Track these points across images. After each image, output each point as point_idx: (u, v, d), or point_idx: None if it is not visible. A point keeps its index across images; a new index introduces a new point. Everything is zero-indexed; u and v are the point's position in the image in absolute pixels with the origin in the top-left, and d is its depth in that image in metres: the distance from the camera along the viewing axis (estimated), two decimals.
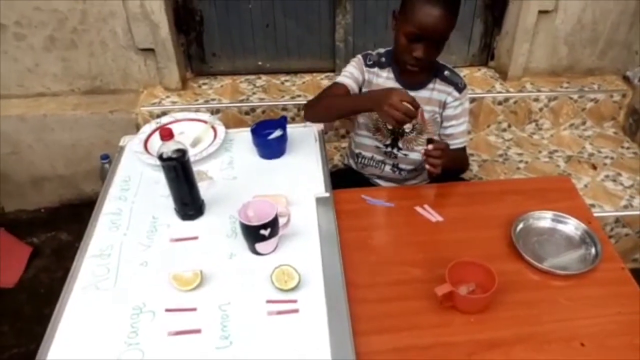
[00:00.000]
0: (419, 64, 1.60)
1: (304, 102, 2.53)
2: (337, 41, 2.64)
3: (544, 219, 1.50)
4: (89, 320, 1.23)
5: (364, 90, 1.77)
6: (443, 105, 1.74)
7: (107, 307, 1.26)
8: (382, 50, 1.77)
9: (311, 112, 1.81)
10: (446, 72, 1.73)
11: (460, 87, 1.72)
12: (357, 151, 1.91)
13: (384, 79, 1.75)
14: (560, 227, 1.49)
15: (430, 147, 1.50)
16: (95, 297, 1.28)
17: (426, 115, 1.73)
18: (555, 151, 2.59)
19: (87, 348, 1.17)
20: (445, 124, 1.77)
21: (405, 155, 1.82)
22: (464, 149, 1.82)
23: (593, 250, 1.41)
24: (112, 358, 1.14)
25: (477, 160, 2.52)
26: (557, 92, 2.64)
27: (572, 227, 1.48)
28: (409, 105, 1.42)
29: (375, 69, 1.76)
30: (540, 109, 2.66)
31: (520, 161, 2.53)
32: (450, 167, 1.69)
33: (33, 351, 2.08)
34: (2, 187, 2.65)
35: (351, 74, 1.76)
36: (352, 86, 1.74)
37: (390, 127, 1.78)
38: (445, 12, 1.49)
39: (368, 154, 1.89)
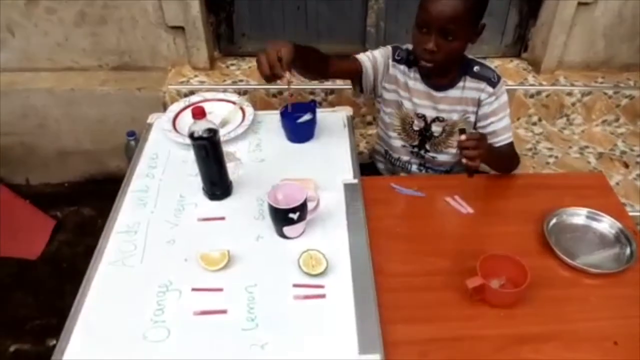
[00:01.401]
0: (432, 59, 1.50)
1: (332, 86, 2.52)
2: (369, 26, 2.60)
3: (577, 216, 1.47)
4: (115, 295, 1.23)
5: (387, 85, 1.69)
6: (477, 103, 1.64)
7: (133, 283, 1.26)
8: (411, 47, 1.63)
9: None
10: (476, 68, 1.62)
11: (493, 82, 1.60)
12: (384, 149, 1.86)
13: (412, 79, 1.65)
14: (594, 224, 1.45)
15: (463, 137, 1.38)
16: (121, 273, 1.28)
17: (455, 116, 1.66)
18: (587, 147, 2.54)
19: (113, 323, 1.17)
20: (483, 122, 1.65)
21: (434, 157, 1.76)
22: (510, 144, 1.66)
23: (628, 250, 1.38)
24: (138, 334, 1.14)
25: None
26: (591, 87, 2.57)
27: (606, 225, 1.44)
28: (277, 63, 1.31)
29: (403, 67, 1.66)
30: (573, 104, 2.60)
31: (550, 156, 2.48)
32: (496, 164, 1.62)
33: (54, 324, 2.12)
34: (28, 160, 2.67)
35: (373, 57, 1.66)
36: (367, 65, 1.65)
37: (416, 128, 1.71)
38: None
39: (395, 155, 1.83)
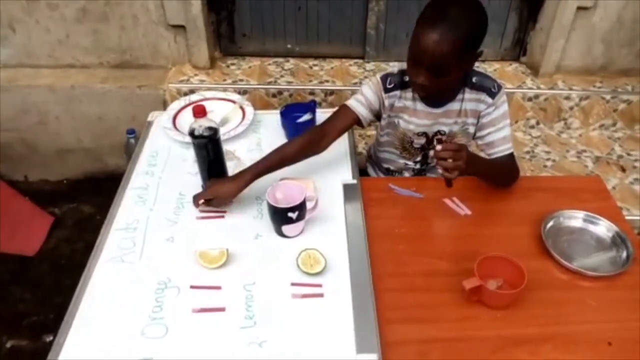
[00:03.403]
0: (424, 91, 1.46)
1: (332, 87, 2.53)
2: (369, 28, 2.61)
3: (575, 219, 1.48)
4: (114, 292, 1.24)
5: (384, 115, 1.62)
6: (477, 115, 1.58)
7: (132, 280, 1.26)
8: (405, 66, 1.52)
9: None
10: (475, 79, 1.54)
11: (493, 92, 1.53)
12: (385, 166, 1.80)
13: (410, 100, 1.57)
14: (591, 227, 1.46)
15: (438, 147, 1.32)
16: (120, 269, 1.29)
17: (456, 128, 1.61)
18: (584, 151, 2.55)
19: (111, 320, 1.18)
20: (481, 132, 1.59)
21: (434, 166, 1.72)
22: (510, 156, 1.57)
23: (624, 253, 1.38)
24: (136, 331, 1.15)
25: None
26: (589, 91, 2.59)
27: (603, 228, 1.45)
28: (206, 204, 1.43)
29: (397, 92, 1.57)
30: (571, 108, 2.62)
31: (548, 159, 2.49)
32: (487, 177, 1.56)
33: (52, 320, 2.12)
34: (28, 157, 2.68)
35: (365, 99, 1.58)
36: (363, 113, 1.58)
37: (417, 146, 1.67)
38: (443, 36, 1.31)
39: (396, 171, 1.79)
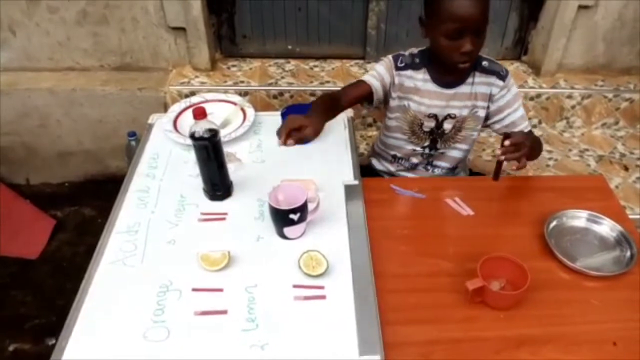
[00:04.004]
0: (469, 58, 1.52)
1: (333, 88, 2.51)
2: (369, 28, 2.60)
3: (578, 218, 1.47)
4: (115, 295, 1.23)
5: (393, 94, 1.70)
6: (489, 99, 1.67)
7: (133, 283, 1.26)
8: (415, 51, 1.67)
9: None
10: (484, 63, 1.64)
11: (502, 75, 1.64)
12: (392, 153, 1.84)
13: (421, 81, 1.66)
14: (594, 227, 1.45)
15: (507, 142, 1.38)
16: (122, 272, 1.28)
17: (466, 112, 1.67)
18: (586, 150, 2.55)
19: (113, 323, 1.17)
20: (500, 115, 1.68)
21: (443, 153, 1.77)
22: (531, 132, 1.71)
23: (628, 253, 1.38)
24: (138, 334, 1.14)
25: None
26: (591, 90, 2.58)
27: (607, 227, 1.44)
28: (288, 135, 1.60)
29: (409, 72, 1.66)
30: (573, 107, 2.61)
31: (550, 158, 2.48)
32: (532, 153, 1.62)
33: (54, 323, 2.12)
34: (29, 160, 2.68)
35: (379, 74, 1.69)
36: (377, 87, 1.68)
37: (426, 129, 1.72)
38: None
39: (404, 157, 1.82)
